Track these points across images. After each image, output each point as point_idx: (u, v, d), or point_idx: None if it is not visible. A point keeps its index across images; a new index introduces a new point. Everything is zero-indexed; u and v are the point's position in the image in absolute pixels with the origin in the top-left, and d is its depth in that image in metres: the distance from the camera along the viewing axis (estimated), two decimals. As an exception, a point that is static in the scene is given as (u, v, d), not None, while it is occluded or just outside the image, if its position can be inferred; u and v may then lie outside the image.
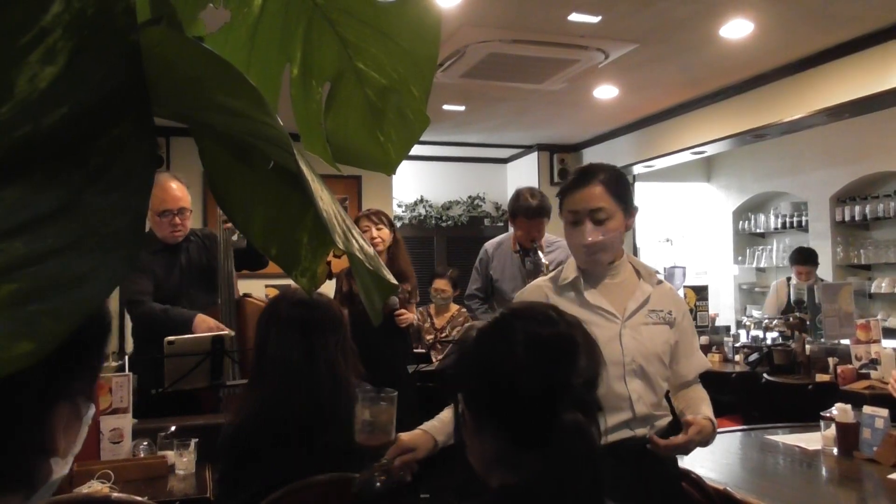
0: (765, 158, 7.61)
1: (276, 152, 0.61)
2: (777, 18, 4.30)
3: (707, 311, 5.71)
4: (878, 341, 4.17)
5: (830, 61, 4.89)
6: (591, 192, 1.87)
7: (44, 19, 0.43)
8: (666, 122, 6.51)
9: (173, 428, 2.57)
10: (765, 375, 4.55)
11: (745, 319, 6.63)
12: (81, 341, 0.66)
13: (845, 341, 4.42)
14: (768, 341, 5.11)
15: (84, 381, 0.69)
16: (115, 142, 0.46)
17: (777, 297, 5.92)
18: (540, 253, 3.48)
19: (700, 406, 1.94)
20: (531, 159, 7.97)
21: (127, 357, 3.15)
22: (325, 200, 0.61)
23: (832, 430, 2.66)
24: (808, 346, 4.61)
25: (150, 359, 2.92)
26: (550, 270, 2.20)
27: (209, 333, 2.94)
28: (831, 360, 4.33)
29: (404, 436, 1.74)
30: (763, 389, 4.51)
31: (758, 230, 8.09)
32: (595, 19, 4.23)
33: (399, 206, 7.92)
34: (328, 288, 3.75)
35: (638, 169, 7.28)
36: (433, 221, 8.09)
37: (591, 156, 7.66)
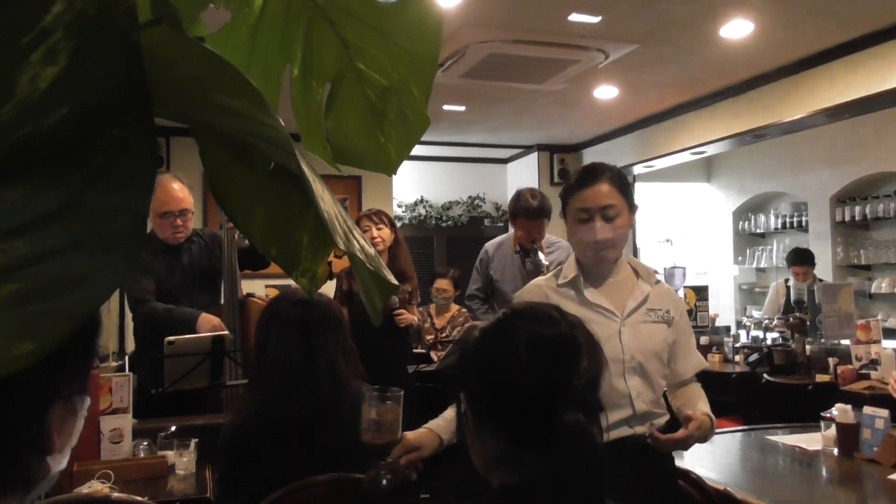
0: (765, 159, 7.61)
1: (277, 153, 0.61)
2: (777, 19, 4.30)
3: (707, 311, 5.71)
4: (878, 342, 4.17)
5: (830, 61, 4.89)
6: (600, 189, 1.90)
7: (45, 19, 0.43)
8: (666, 122, 6.51)
9: (173, 428, 2.57)
10: (765, 376, 4.55)
11: (745, 320, 6.63)
12: (75, 340, 0.66)
13: (845, 342, 4.42)
14: (768, 342, 5.11)
15: (77, 379, 0.69)
16: (116, 142, 0.46)
17: (776, 299, 5.93)
18: (540, 254, 3.48)
19: (698, 403, 1.96)
20: (531, 159, 7.97)
21: (127, 357, 3.15)
22: (327, 201, 0.61)
23: (832, 431, 2.66)
24: (808, 347, 4.62)
25: (150, 359, 2.92)
26: (550, 271, 2.21)
27: (212, 333, 2.94)
28: (831, 361, 4.33)
29: (410, 434, 1.75)
30: (763, 390, 4.51)
31: (758, 230, 8.10)
32: (595, 19, 4.23)
33: (399, 206, 7.92)
34: (328, 287, 3.75)
35: (638, 169, 7.28)
36: (433, 221, 8.10)
37: (591, 156, 7.66)
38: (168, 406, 2.85)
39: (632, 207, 1.97)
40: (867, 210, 6.80)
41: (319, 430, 1.94)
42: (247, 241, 3.26)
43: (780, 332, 5.05)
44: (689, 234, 8.59)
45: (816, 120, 5.34)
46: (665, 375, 1.96)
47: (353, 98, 0.79)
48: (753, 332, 5.44)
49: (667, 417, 1.94)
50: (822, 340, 4.61)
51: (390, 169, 0.82)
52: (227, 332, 2.98)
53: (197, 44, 0.54)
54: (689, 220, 8.61)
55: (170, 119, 0.61)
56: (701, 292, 5.75)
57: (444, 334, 4.82)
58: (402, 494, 1.61)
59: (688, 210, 8.61)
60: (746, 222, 8.20)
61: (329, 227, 0.59)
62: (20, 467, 0.65)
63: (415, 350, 4.28)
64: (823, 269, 6.61)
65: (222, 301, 3.25)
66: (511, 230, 3.86)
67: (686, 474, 2.10)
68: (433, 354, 4.46)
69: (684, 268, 6.20)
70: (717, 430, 3.07)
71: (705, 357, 5.15)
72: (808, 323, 4.83)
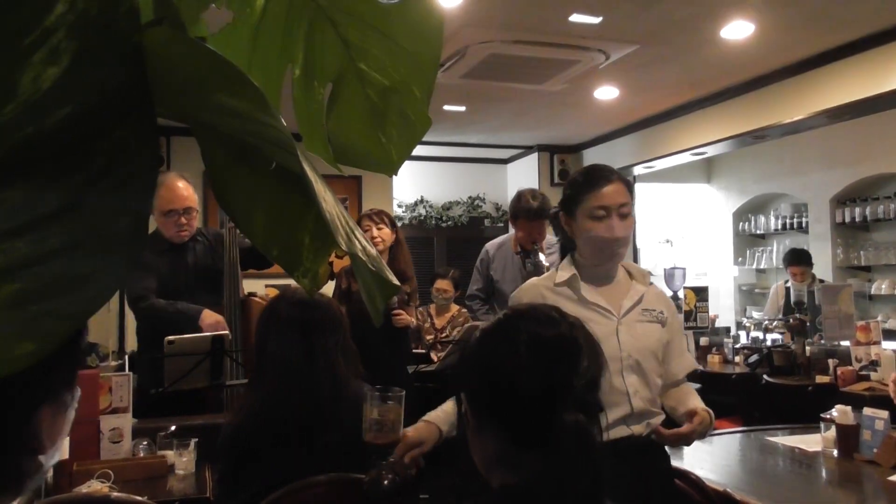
0: (765, 160, 7.61)
1: (279, 153, 0.61)
2: (778, 20, 4.30)
3: (707, 312, 5.70)
4: (877, 343, 4.17)
5: (831, 63, 4.89)
6: (616, 188, 1.94)
7: (48, 20, 0.43)
8: (666, 123, 6.51)
9: (173, 428, 2.56)
10: (765, 377, 4.55)
11: (745, 321, 6.63)
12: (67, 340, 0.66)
13: (845, 343, 4.42)
14: (768, 342, 5.11)
15: (66, 378, 0.70)
16: (118, 143, 0.46)
17: (776, 300, 5.93)
18: (541, 254, 3.48)
19: (693, 400, 2.01)
20: (531, 160, 7.97)
21: (127, 356, 3.15)
22: (328, 201, 0.61)
23: (832, 432, 2.66)
24: (807, 348, 4.61)
25: (150, 358, 2.92)
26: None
27: (212, 333, 2.94)
28: (831, 362, 4.33)
29: (409, 431, 1.75)
30: (763, 391, 4.51)
31: (758, 231, 8.10)
32: (596, 20, 4.23)
33: (399, 206, 7.92)
34: (327, 286, 3.74)
35: (638, 170, 7.27)
36: (433, 222, 8.09)
37: (591, 156, 7.66)
38: (168, 406, 2.85)
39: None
40: (867, 211, 6.80)
41: (319, 430, 1.94)
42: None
43: (780, 332, 5.05)
44: (689, 234, 8.59)
45: (817, 121, 5.34)
46: (661, 374, 1.98)
47: (354, 98, 0.79)
48: (753, 333, 5.44)
49: (662, 417, 1.96)
50: (822, 342, 4.61)
51: (391, 169, 0.82)
52: (226, 332, 2.97)
53: (198, 44, 0.54)
54: (689, 220, 8.61)
55: (171, 119, 0.61)
56: (701, 293, 5.74)
57: (444, 334, 4.82)
58: (402, 494, 1.61)
59: (688, 211, 8.61)
60: (746, 223, 8.20)
61: (331, 227, 0.59)
62: (11, 468, 0.65)
63: (415, 350, 4.28)
64: (823, 270, 6.61)
65: (224, 301, 3.25)
66: (511, 231, 3.86)
67: (686, 475, 2.10)
68: (433, 355, 4.46)
69: (684, 269, 6.18)
70: (716, 431, 3.08)
71: (705, 358, 5.18)
72: (808, 324, 4.83)
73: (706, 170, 8.55)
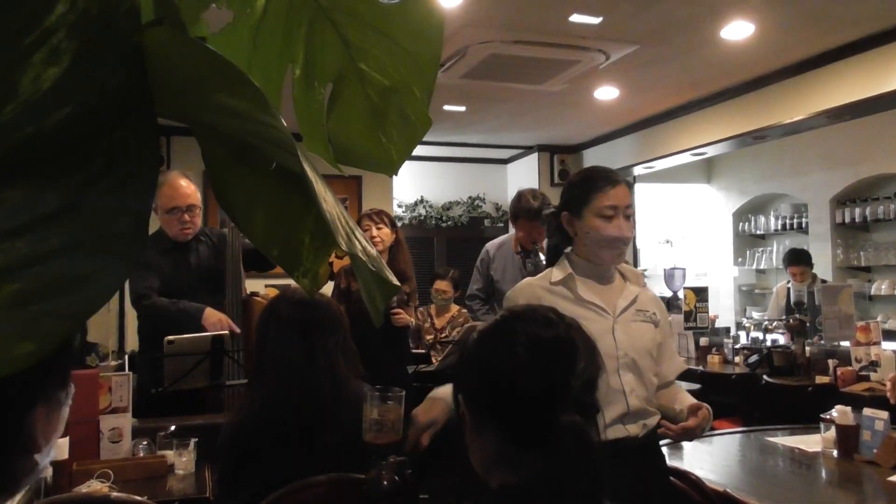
0: (765, 160, 7.62)
1: (280, 153, 0.61)
2: (778, 20, 4.30)
3: (707, 312, 5.70)
4: (877, 343, 4.17)
5: (831, 63, 4.89)
6: (624, 190, 2.01)
7: (48, 20, 0.43)
8: (666, 123, 6.51)
9: (173, 427, 2.56)
10: (764, 377, 4.55)
11: (744, 321, 6.63)
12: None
13: (845, 343, 4.42)
14: (768, 343, 5.11)
15: (60, 377, 0.70)
16: (118, 143, 0.46)
17: (778, 301, 5.93)
18: (541, 254, 3.48)
19: (687, 397, 2.07)
20: (531, 160, 7.97)
21: (127, 356, 3.14)
22: (329, 201, 0.61)
23: (832, 433, 2.66)
24: (807, 348, 4.61)
25: (150, 358, 2.92)
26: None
27: (217, 332, 2.94)
28: (831, 362, 4.33)
29: (418, 411, 1.72)
30: (763, 391, 4.51)
31: (758, 232, 8.10)
32: (596, 20, 4.23)
33: (399, 206, 7.92)
34: (326, 286, 3.74)
35: (638, 170, 7.28)
36: (433, 222, 8.10)
37: (591, 156, 7.66)
38: (168, 406, 2.85)
39: None
40: (867, 212, 6.80)
41: (319, 430, 1.94)
42: None
43: (780, 333, 5.05)
44: (689, 235, 8.59)
45: (817, 121, 5.34)
46: (656, 373, 2.02)
47: (354, 98, 0.79)
48: (753, 334, 5.44)
49: (658, 417, 1.99)
50: (822, 342, 4.61)
51: (392, 169, 0.82)
52: (226, 332, 2.97)
53: (199, 44, 0.54)
54: (689, 221, 8.61)
55: (171, 119, 0.61)
56: (701, 293, 5.74)
57: (444, 335, 4.82)
58: (402, 494, 1.61)
59: (688, 211, 8.61)
60: (746, 223, 8.20)
61: (331, 227, 0.59)
62: (7, 467, 0.65)
63: (414, 350, 4.28)
64: (823, 270, 6.61)
65: (226, 300, 3.25)
66: (512, 231, 3.86)
67: (686, 475, 2.10)
68: (433, 355, 4.46)
69: (684, 269, 6.18)
70: (716, 432, 3.08)
71: (705, 358, 5.18)
72: (807, 324, 4.83)
73: (706, 170, 8.55)
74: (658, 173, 7.46)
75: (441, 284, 5.02)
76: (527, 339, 1.11)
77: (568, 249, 2.07)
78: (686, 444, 2.75)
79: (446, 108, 6.12)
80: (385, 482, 1.59)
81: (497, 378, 1.11)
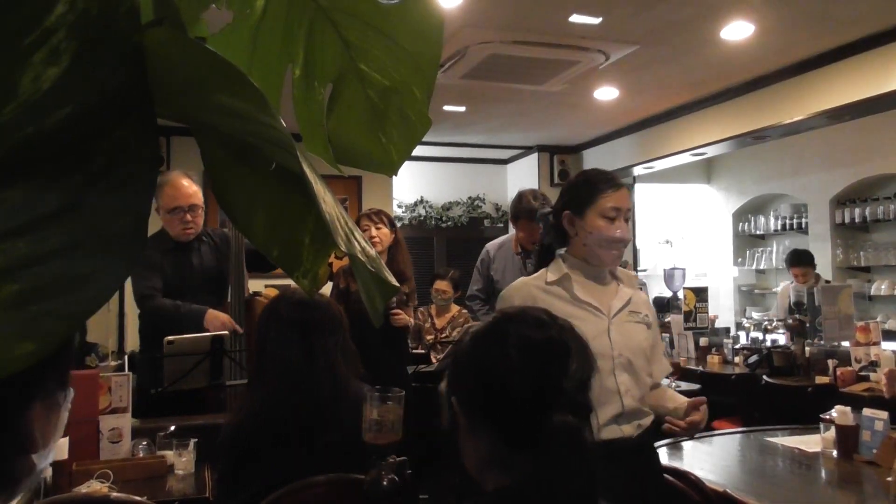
0: (765, 160, 7.62)
1: (279, 153, 0.61)
2: (777, 20, 4.30)
3: (707, 312, 5.70)
4: (877, 343, 4.17)
5: (831, 63, 4.89)
6: (626, 193, 2.08)
7: (48, 20, 0.43)
8: (666, 123, 6.51)
9: (172, 428, 2.56)
10: (764, 377, 4.55)
11: (744, 321, 6.63)
12: None
13: (845, 343, 4.42)
14: (768, 343, 5.11)
15: (57, 373, 0.69)
16: (118, 143, 0.46)
17: (783, 301, 5.92)
18: (540, 254, 3.48)
19: (677, 396, 2.13)
20: (531, 160, 7.97)
21: (126, 356, 3.14)
22: (328, 202, 0.61)
23: (832, 433, 2.66)
24: (807, 349, 4.61)
25: (150, 358, 2.91)
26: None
27: (219, 331, 2.94)
28: (831, 363, 4.33)
29: None
30: (763, 391, 4.51)
31: (758, 232, 8.10)
32: (596, 21, 4.23)
33: (399, 206, 7.92)
34: (326, 286, 3.74)
35: (638, 170, 7.28)
36: (433, 222, 8.10)
37: (591, 157, 7.66)
38: (168, 406, 2.85)
39: None
40: (867, 212, 6.80)
41: (319, 430, 1.94)
42: None
43: (779, 333, 5.05)
44: (689, 235, 8.59)
45: (817, 122, 5.34)
46: (650, 373, 2.04)
47: (354, 98, 0.79)
48: (753, 334, 5.44)
49: (652, 417, 2.02)
50: (822, 342, 4.61)
51: (391, 169, 0.82)
52: (226, 332, 2.97)
53: (198, 44, 0.54)
54: (689, 221, 8.61)
55: (171, 119, 0.61)
56: (700, 294, 5.75)
57: (444, 335, 4.82)
58: (402, 494, 1.61)
59: (688, 211, 8.61)
60: (746, 224, 8.20)
61: (330, 227, 0.59)
62: (4, 466, 0.65)
63: (414, 350, 4.28)
64: (823, 270, 6.61)
65: (228, 300, 3.25)
66: (512, 231, 3.86)
67: (685, 475, 2.10)
68: (433, 355, 4.46)
69: (684, 269, 6.19)
70: (716, 432, 3.08)
71: (705, 358, 5.18)
72: (807, 325, 4.83)
73: (706, 170, 8.55)
74: (658, 173, 7.46)
75: (441, 284, 5.03)
76: (519, 341, 1.12)
77: (561, 250, 2.09)
78: (686, 445, 2.75)
79: (446, 108, 6.13)
80: (385, 482, 1.59)
81: (490, 380, 1.12)
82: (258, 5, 0.75)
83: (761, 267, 8.05)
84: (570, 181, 2.18)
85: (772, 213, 7.99)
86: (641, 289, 2.20)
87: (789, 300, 5.65)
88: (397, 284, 0.70)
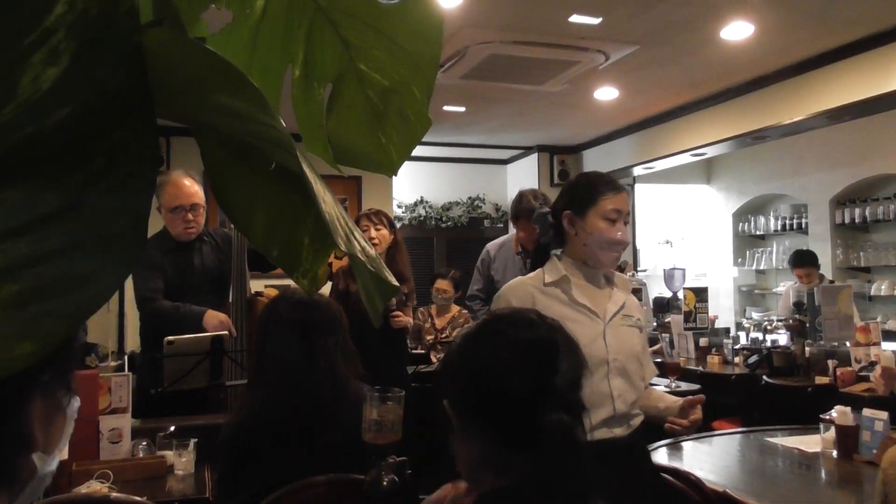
0: (765, 161, 7.62)
1: (279, 153, 0.61)
2: (777, 21, 4.30)
3: (707, 312, 5.70)
4: (877, 344, 4.17)
5: (831, 64, 4.89)
6: (626, 196, 2.10)
7: (47, 20, 0.43)
8: (666, 123, 6.51)
9: (172, 428, 2.56)
10: (764, 377, 4.55)
11: (744, 321, 6.63)
12: None
13: (845, 344, 4.42)
14: (768, 343, 5.10)
15: (59, 374, 0.69)
16: (118, 143, 0.46)
17: (785, 302, 5.92)
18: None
19: (667, 396, 2.15)
20: (531, 160, 7.97)
21: (126, 357, 3.14)
22: (328, 202, 0.61)
23: (832, 433, 2.66)
24: (807, 349, 4.61)
25: (150, 358, 2.91)
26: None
27: (217, 332, 2.94)
28: (831, 363, 4.32)
29: None
30: (762, 391, 4.51)
31: (757, 232, 8.10)
32: (596, 21, 4.23)
33: (399, 206, 7.93)
34: (325, 287, 3.74)
35: (638, 170, 7.28)
36: (433, 222, 8.10)
37: (591, 157, 7.66)
38: (168, 406, 2.85)
39: None
40: (867, 212, 6.80)
41: (319, 430, 1.94)
42: None
43: (779, 334, 5.05)
44: (689, 235, 8.59)
45: (817, 122, 5.34)
46: (642, 377, 2.05)
47: (354, 99, 0.79)
48: (753, 334, 5.43)
49: (641, 417, 2.03)
50: (822, 342, 4.61)
51: (391, 170, 0.82)
52: (225, 332, 2.97)
53: (198, 44, 0.54)
54: (689, 221, 8.61)
55: (171, 119, 0.61)
56: (700, 294, 5.74)
57: (444, 335, 4.82)
58: (402, 494, 1.61)
59: (688, 212, 8.61)
60: (746, 224, 8.20)
61: (330, 227, 0.59)
62: (3, 466, 0.65)
63: (414, 351, 4.28)
64: (823, 271, 6.61)
65: (230, 300, 3.25)
66: (512, 231, 3.86)
67: (685, 476, 2.10)
68: (433, 355, 4.46)
69: (684, 269, 6.19)
70: (716, 432, 3.08)
71: (705, 358, 5.18)
72: (807, 325, 4.83)
73: (706, 171, 8.55)
74: (658, 174, 7.47)
75: (442, 284, 5.03)
76: (509, 342, 1.14)
77: (557, 251, 2.09)
78: (686, 445, 2.75)
79: (446, 108, 6.13)
80: (385, 482, 1.59)
81: (481, 381, 1.13)
82: (258, 5, 0.75)
83: (761, 267, 8.05)
84: (571, 182, 2.18)
85: (772, 213, 7.99)
86: (640, 290, 2.20)
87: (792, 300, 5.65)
88: (397, 284, 0.70)
